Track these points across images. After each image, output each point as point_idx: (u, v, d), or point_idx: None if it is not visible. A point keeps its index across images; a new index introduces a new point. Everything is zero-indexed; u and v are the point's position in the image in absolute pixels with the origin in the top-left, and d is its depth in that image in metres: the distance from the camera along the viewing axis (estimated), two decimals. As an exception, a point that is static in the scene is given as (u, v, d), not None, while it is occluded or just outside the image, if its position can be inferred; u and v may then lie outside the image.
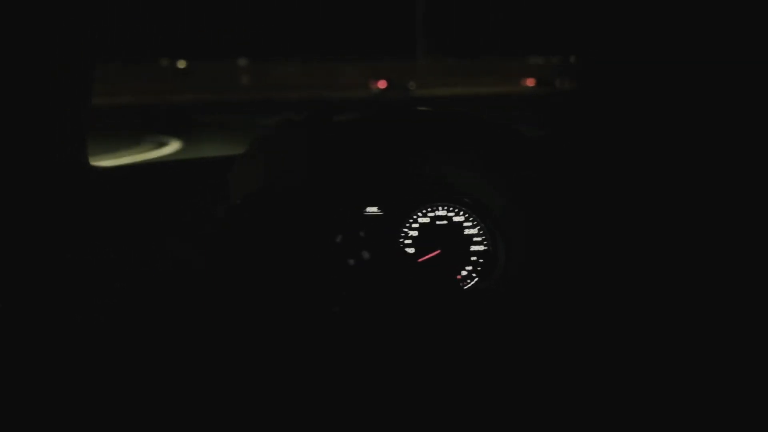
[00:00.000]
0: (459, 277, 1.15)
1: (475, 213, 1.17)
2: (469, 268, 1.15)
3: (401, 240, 1.16)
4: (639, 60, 1.08)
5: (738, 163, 0.97)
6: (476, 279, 1.15)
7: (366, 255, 1.08)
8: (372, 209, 1.16)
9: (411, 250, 1.16)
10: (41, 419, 0.81)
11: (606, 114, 1.15)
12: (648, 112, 1.08)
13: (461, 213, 1.17)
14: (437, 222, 1.17)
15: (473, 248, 1.16)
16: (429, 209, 1.17)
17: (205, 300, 0.98)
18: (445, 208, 1.17)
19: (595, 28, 1.17)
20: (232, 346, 0.90)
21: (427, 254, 1.16)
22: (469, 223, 1.17)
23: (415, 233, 1.17)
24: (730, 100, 0.98)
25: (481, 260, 1.15)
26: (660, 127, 1.06)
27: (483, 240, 1.16)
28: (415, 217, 1.17)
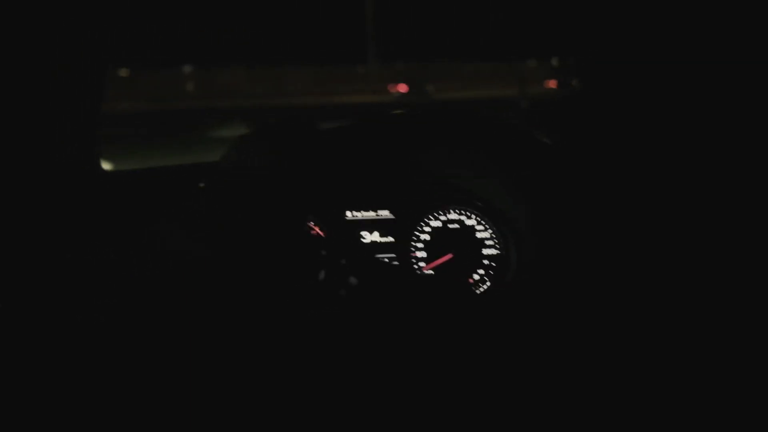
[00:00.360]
0: (471, 281, 1.13)
1: (487, 216, 1.16)
2: (481, 272, 1.14)
3: (413, 244, 1.14)
4: (638, 60, 1.10)
5: (739, 160, 1.00)
6: (488, 283, 1.14)
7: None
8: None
9: (423, 254, 1.14)
10: (41, 419, 0.78)
11: (609, 114, 1.17)
12: (649, 112, 1.10)
13: (473, 216, 1.16)
14: (449, 225, 1.16)
15: (485, 252, 1.15)
16: (441, 212, 1.16)
17: (204, 301, 0.95)
18: (457, 211, 1.16)
19: (592, 28, 1.18)
20: (230, 348, 0.87)
21: (439, 258, 1.14)
22: (481, 227, 1.16)
23: (427, 237, 1.15)
24: (730, 100, 1.01)
25: (493, 264, 1.14)
26: (662, 126, 1.08)
27: (495, 244, 1.15)
28: (426, 220, 1.15)
